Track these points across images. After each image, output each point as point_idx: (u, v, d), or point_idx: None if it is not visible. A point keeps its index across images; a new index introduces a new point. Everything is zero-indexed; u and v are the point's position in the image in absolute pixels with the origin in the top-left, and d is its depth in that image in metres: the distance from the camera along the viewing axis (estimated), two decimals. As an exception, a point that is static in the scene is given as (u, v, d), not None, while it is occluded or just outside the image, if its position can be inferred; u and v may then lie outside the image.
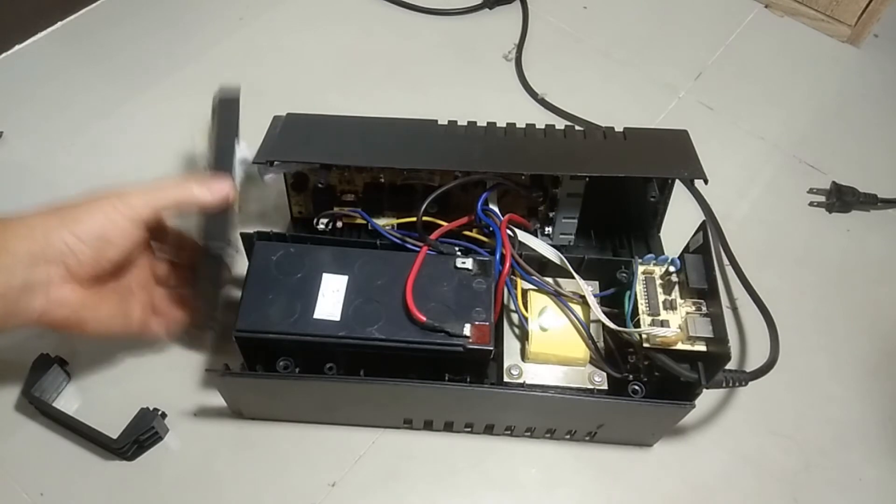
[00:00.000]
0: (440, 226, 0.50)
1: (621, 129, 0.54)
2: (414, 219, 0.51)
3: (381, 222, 0.52)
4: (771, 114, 0.77)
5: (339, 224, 0.53)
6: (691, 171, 0.48)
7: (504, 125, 0.53)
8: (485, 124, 0.53)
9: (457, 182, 0.49)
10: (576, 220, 0.56)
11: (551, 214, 0.55)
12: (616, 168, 0.49)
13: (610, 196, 0.52)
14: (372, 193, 0.54)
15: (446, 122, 0.53)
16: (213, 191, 0.45)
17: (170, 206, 0.44)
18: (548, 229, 0.55)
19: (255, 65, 0.76)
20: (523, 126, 0.54)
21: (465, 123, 0.53)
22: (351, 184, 0.53)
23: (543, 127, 0.54)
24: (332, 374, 0.47)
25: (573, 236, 0.57)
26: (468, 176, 0.49)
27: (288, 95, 0.66)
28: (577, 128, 0.54)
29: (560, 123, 0.73)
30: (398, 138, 0.52)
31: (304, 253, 0.48)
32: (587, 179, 0.50)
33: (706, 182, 0.49)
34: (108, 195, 0.42)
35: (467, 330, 0.44)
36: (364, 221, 0.52)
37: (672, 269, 0.48)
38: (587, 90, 0.76)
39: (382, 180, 0.54)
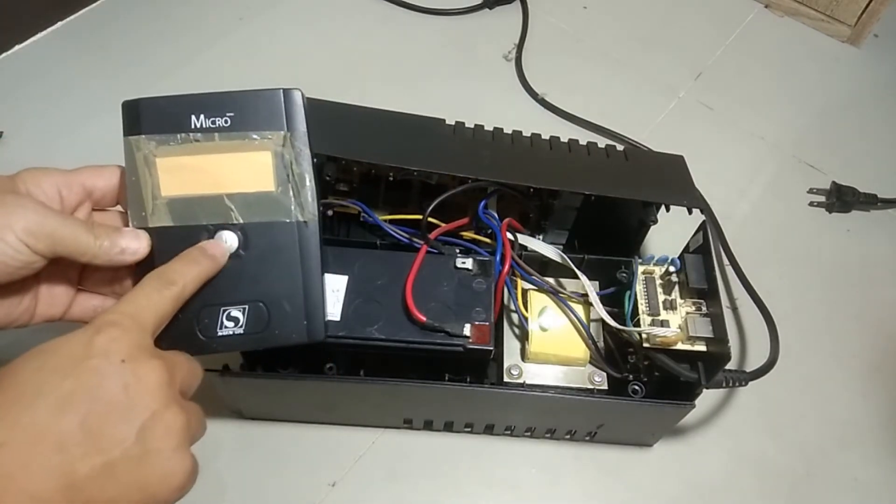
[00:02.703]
0: (439, 226, 0.50)
1: (622, 148, 0.54)
2: (408, 216, 0.51)
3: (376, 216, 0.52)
4: (771, 114, 0.77)
5: (330, 213, 0.53)
6: (690, 200, 0.50)
7: (510, 131, 0.54)
8: (490, 128, 0.53)
9: (466, 187, 0.49)
10: (567, 232, 0.57)
11: (543, 223, 0.56)
12: (621, 189, 0.50)
13: (602, 213, 0.52)
14: (368, 186, 0.53)
15: (453, 122, 0.53)
16: (126, 252, 0.36)
17: (67, 251, 0.35)
18: (539, 237, 0.56)
19: (254, 65, 0.76)
20: (528, 135, 0.54)
21: (472, 125, 0.53)
22: (347, 173, 0.53)
23: (548, 138, 0.54)
24: (332, 374, 0.47)
25: (563, 246, 0.58)
26: (478, 182, 0.49)
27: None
28: (580, 142, 0.54)
29: (560, 123, 0.73)
30: (409, 135, 0.52)
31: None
32: (590, 196, 0.50)
33: (702, 212, 0.50)
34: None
35: (467, 330, 0.44)
36: (356, 212, 0.52)
37: (672, 269, 0.48)
38: (587, 90, 0.76)
39: (380, 174, 0.53)
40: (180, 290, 0.35)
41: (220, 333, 0.38)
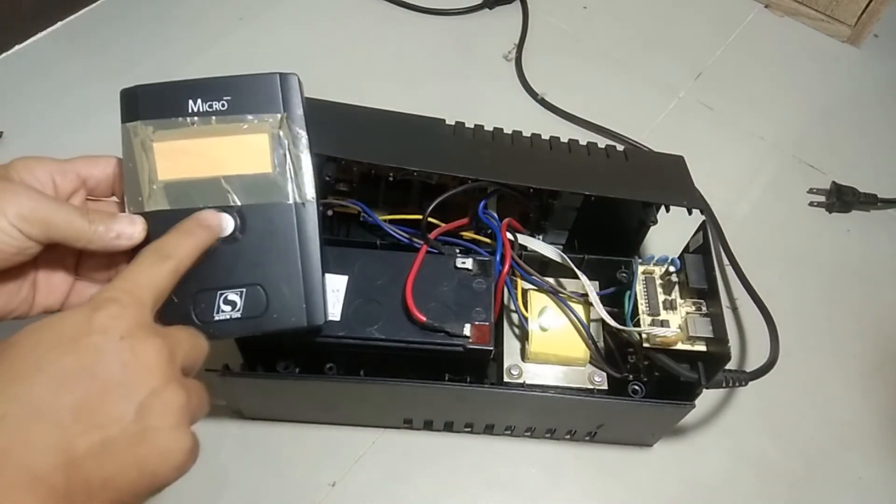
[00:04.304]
0: (438, 226, 0.50)
1: (622, 149, 0.55)
2: (408, 216, 0.51)
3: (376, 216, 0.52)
4: (771, 114, 0.77)
5: (330, 213, 0.53)
6: (690, 201, 0.50)
7: (510, 131, 0.54)
8: (490, 128, 0.53)
9: (466, 187, 0.49)
10: (567, 232, 0.57)
11: (544, 223, 0.56)
12: (621, 189, 0.50)
13: (602, 214, 0.52)
14: (368, 186, 0.53)
15: (453, 123, 0.53)
16: (121, 237, 0.36)
17: (62, 236, 0.34)
18: (538, 237, 0.56)
19: (255, 65, 0.76)
20: (528, 135, 0.54)
21: (472, 125, 0.53)
22: (347, 173, 0.53)
23: (548, 138, 0.54)
24: (332, 374, 0.47)
25: (563, 246, 0.58)
26: (478, 182, 0.49)
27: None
28: (581, 142, 0.54)
29: (560, 123, 0.73)
30: (409, 135, 0.52)
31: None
32: (590, 197, 0.50)
33: (702, 212, 0.50)
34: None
35: (467, 330, 0.44)
36: (356, 212, 0.51)
37: (672, 269, 0.48)
38: (587, 90, 0.76)
39: (380, 174, 0.53)
40: (177, 263, 0.34)
41: (216, 318, 0.37)
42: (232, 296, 0.38)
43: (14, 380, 0.28)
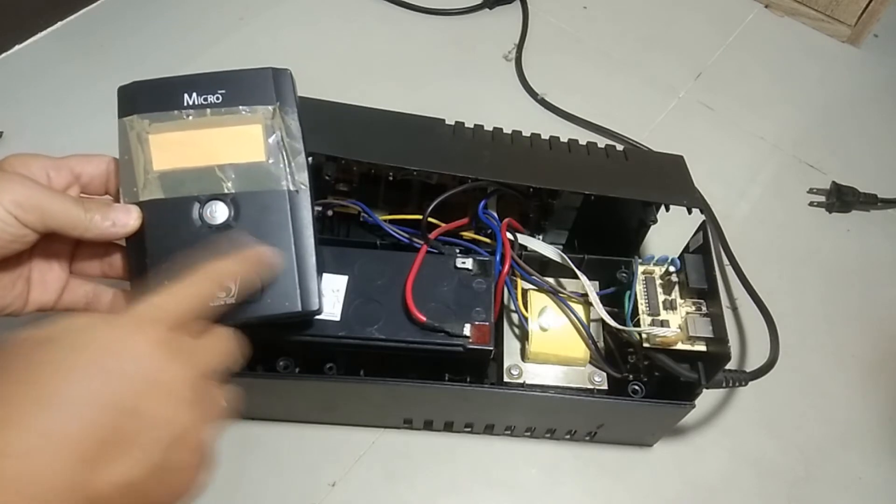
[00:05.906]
0: (438, 225, 0.50)
1: (622, 148, 0.55)
2: (408, 216, 0.51)
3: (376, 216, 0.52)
4: (771, 114, 0.77)
5: (330, 213, 0.53)
6: (690, 200, 0.50)
7: (510, 131, 0.54)
8: (490, 128, 0.53)
9: (466, 186, 0.49)
10: (567, 232, 0.57)
11: (543, 223, 0.56)
12: (621, 189, 0.50)
13: (602, 213, 0.52)
14: (368, 186, 0.53)
15: (453, 123, 0.53)
16: (117, 224, 0.36)
17: (58, 224, 0.34)
18: (538, 237, 0.56)
19: (254, 65, 0.75)
20: (528, 134, 0.54)
21: (472, 125, 0.53)
22: (347, 173, 0.53)
23: (548, 138, 0.54)
24: (332, 374, 0.47)
25: (563, 246, 0.58)
26: (478, 182, 0.49)
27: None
28: (580, 142, 0.54)
29: (560, 123, 0.73)
30: (409, 135, 0.52)
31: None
32: (590, 196, 0.50)
33: (702, 212, 0.50)
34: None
35: (467, 330, 0.44)
36: (356, 212, 0.52)
37: (672, 269, 0.48)
38: (587, 90, 0.76)
39: (380, 174, 0.53)
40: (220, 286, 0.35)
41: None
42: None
43: (34, 406, 0.26)
